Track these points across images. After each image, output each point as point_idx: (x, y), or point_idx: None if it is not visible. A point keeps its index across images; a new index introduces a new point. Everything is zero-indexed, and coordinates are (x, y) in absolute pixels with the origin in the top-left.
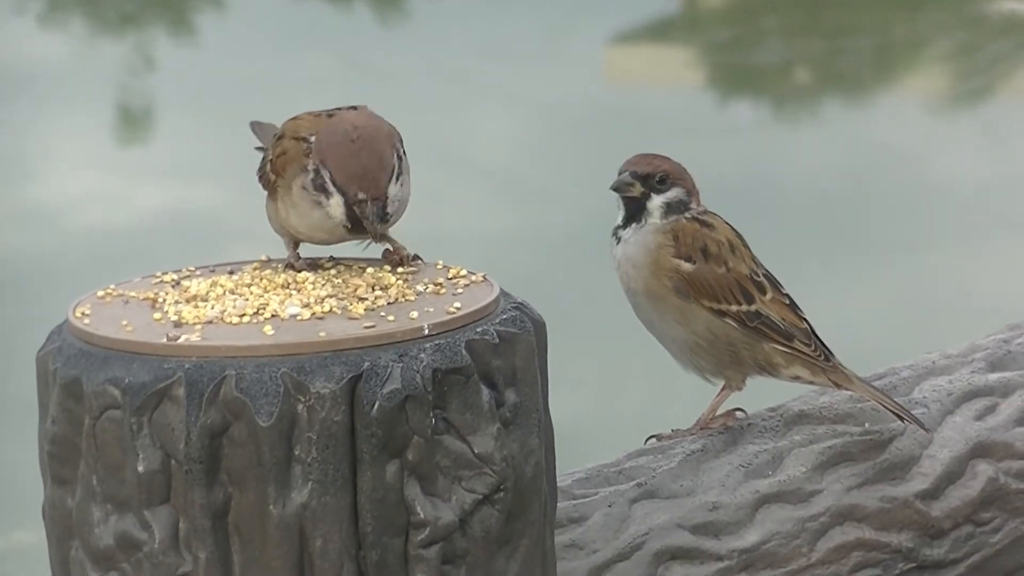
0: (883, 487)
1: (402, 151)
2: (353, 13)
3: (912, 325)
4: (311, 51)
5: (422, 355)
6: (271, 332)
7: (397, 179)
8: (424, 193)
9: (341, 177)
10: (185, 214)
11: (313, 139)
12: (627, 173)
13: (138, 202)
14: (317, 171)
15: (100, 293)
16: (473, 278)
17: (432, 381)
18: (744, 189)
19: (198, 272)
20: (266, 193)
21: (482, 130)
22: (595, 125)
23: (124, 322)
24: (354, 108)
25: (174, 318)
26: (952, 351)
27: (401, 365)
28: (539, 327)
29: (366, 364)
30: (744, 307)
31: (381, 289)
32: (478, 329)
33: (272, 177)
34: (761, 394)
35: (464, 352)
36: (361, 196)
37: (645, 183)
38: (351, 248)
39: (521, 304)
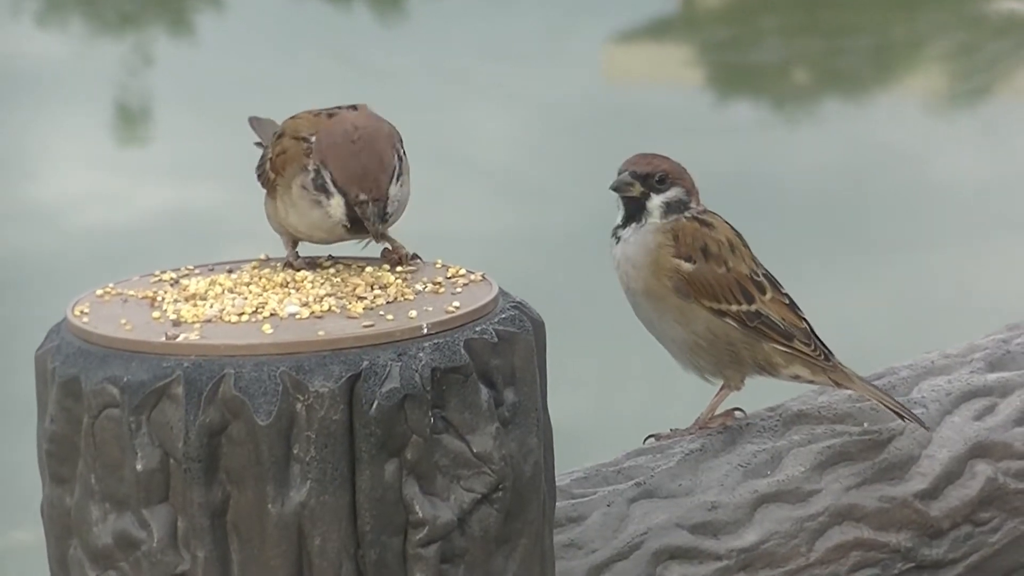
0: (882, 487)
1: (402, 151)
2: (352, 13)
3: (911, 325)
4: (310, 51)
5: (421, 354)
6: (270, 331)
7: (397, 179)
8: (424, 193)
9: (342, 178)
10: (184, 213)
11: (313, 139)
12: (627, 173)
13: (137, 202)
14: (318, 171)
15: (99, 292)
16: (472, 277)
17: (431, 380)
18: (743, 189)
19: (197, 271)
20: (265, 192)
21: (481, 130)
22: (594, 125)
23: (123, 321)
24: (354, 107)
25: (173, 317)
26: (951, 351)
27: (400, 364)
28: (538, 326)
29: (365, 363)
30: (744, 307)
31: (380, 288)
32: (477, 328)
33: (271, 176)
34: (760, 394)
35: (463, 351)
36: (362, 197)
37: (645, 183)
38: (350, 247)
39: (520, 303)
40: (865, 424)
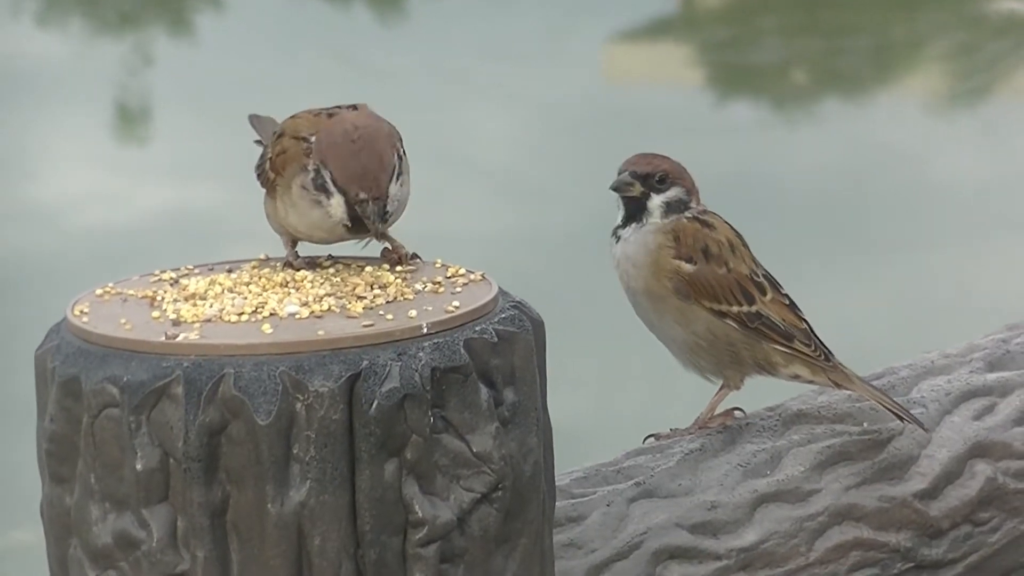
0: (881, 487)
1: (402, 150)
2: (351, 13)
3: (911, 325)
4: (310, 51)
5: (420, 354)
6: (270, 331)
7: (397, 179)
8: (423, 192)
9: (342, 177)
10: (184, 213)
11: (313, 139)
12: (627, 173)
13: (137, 201)
14: (318, 171)
15: (99, 291)
16: (472, 277)
17: (431, 380)
18: (743, 189)
19: (197, 270)
20: (264, 191)
21: (481, 130)
22: (594, 125)
23: (123, 320)
24: (354, 107)
25: (173, 316)
26: (951, 351)
27: (400, 364)
28: (537, 326)
29: (364, 363)
30: (744, 308)
31: (380, 288)
32: (477, 328)
33: (271, 176)
34: (759, 393)
35: (463, 351)
36: (362, 196)
37: (645, 183)
38: (349, 247)
39: (520, 303)
40: (865, 424)
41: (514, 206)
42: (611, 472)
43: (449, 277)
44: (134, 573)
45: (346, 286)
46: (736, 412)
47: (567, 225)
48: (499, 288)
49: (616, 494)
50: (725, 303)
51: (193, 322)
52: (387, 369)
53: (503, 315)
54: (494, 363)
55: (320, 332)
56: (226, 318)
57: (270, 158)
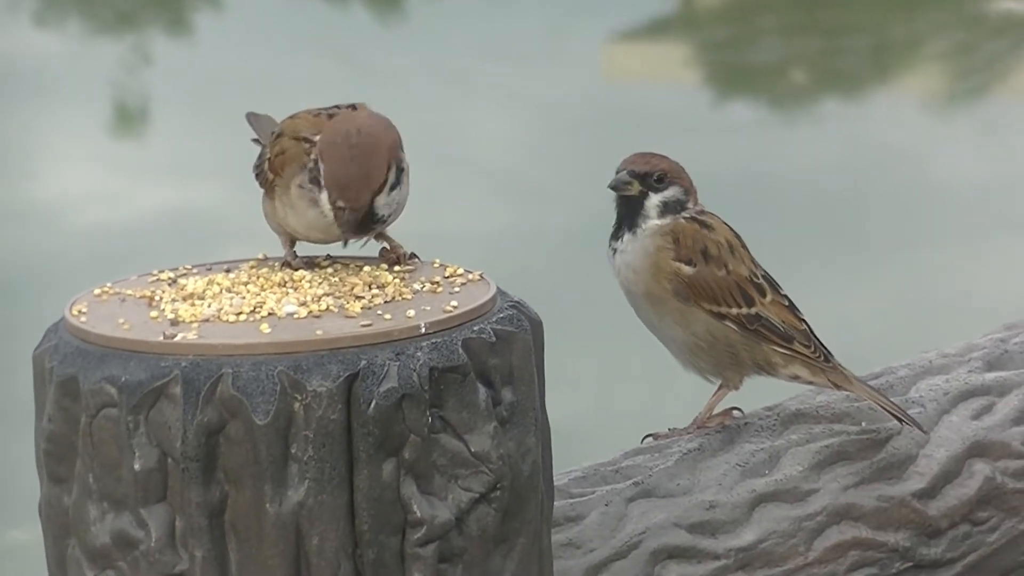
0: (880, 486)
1: (403, 160)
2: (350, 12)
3: (910, 325)
4: (309, 51)
5: (419, 354)
6: (268, 330)
7: (390, 190)
8: (422, 192)
9: (328, 180)
10: (183, 213)
11: (316, 138)
12: (625, 172)
13: (136, 201)
14: (316, 163)
15: (97, 291)
16: (470, 277)
17: (429, 380)
18: (742, 188)
19: (195, 270)
20: (263, 191)
21: (480, 129)
22: (594, 124)
23: (121, 320)
24: (353, 107)
25: (171, 316)
26: (949, 350)
27: (398, 364)
28: (536, 326)
29: (363, 362)
30: (744, 310)
31: (378, 288)
32: (475, 328)
33: (270, 176)
34: (758, 393)
35: (461, 351)
36: (340, 204)
37: (643, 182)
38: (348, 246)
39: (518, 303)
40: (863, 423)
41: (513, 206)
42: (609, 472)
43: (447, 277)
44: (132, 573)
45: (344, 286)
46: (734, 412)
47: (566, 225)
48: (497, 288)
49: (615, 494)
50: (724, 305)
51: (191, 322)
52: (385, 369)
53: (501, 315)
54: (492, 363)
55: (318, 332)
56: (224, 318)
57: (269, 158)
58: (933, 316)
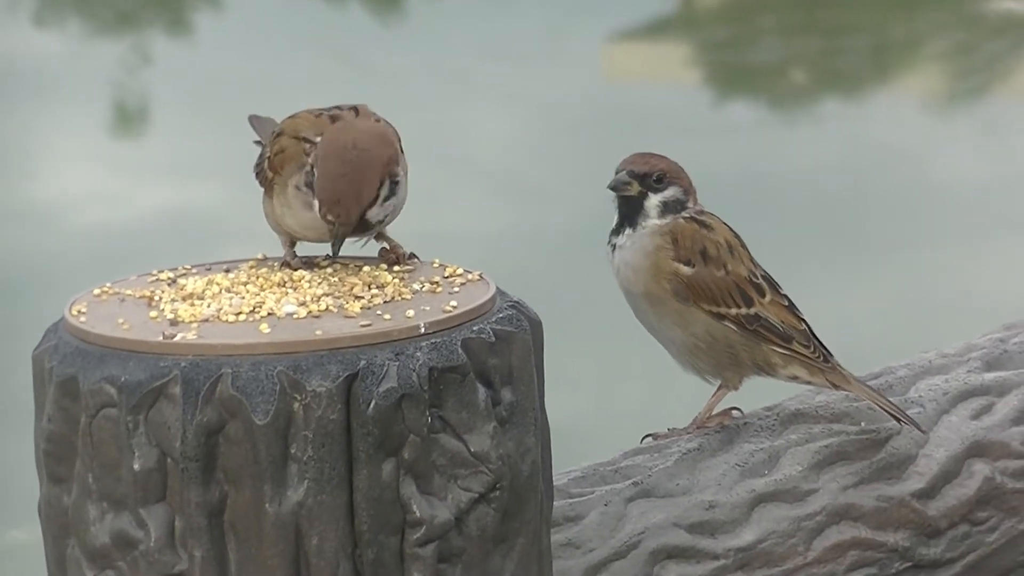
0: (879, 486)
1: (397, 174)
2: (348, 12)
3: (910, 325)
4: (309, 50)
5: (418, 354)
6: (267, 330)
7: (382, 202)
8: (423, 192)
9: (320, 194)
10: (183, 213)
11: (317, 139)
12: (624, 172)
13: (136, 201)
14: (312, 169)
15: (96, 291)
16: (469, 277)
17: (428, 380)
18: (741, 188)
19: (194, 270)
20: (263, 191)
21: (480, 129)
22: (593, 124)
23: (120, 320)
24: (355, 109)
25: (170, 316)
26: (948, 350)
27: (397, 364)
28: (535, 326)
29: (362, 363)
30: (743, 310)
31: (377, 288)
32: (474, 328)
33: (269, 175)
34: (757, 393)
35: (460, 351)
36: (329, 218)
37: (642, 182)
38: (347, 246)
39: (517, 303)
40: (862, 423)
41: (513, 206)
42: (609, 472)
43: (447, 277)
44: (132, 573)
45: (344, 286)
46: (734, 412)
47: (566, 225)
48: (497, 288)
49: (614, 494)
50: (724, 305)
51: (191, 322)
52: (385, 369)
53: (501, 315)
54: (492, 363)
55: (318, 332)
56: (224, 318)
57: (268, 157)
58: (933, 316)
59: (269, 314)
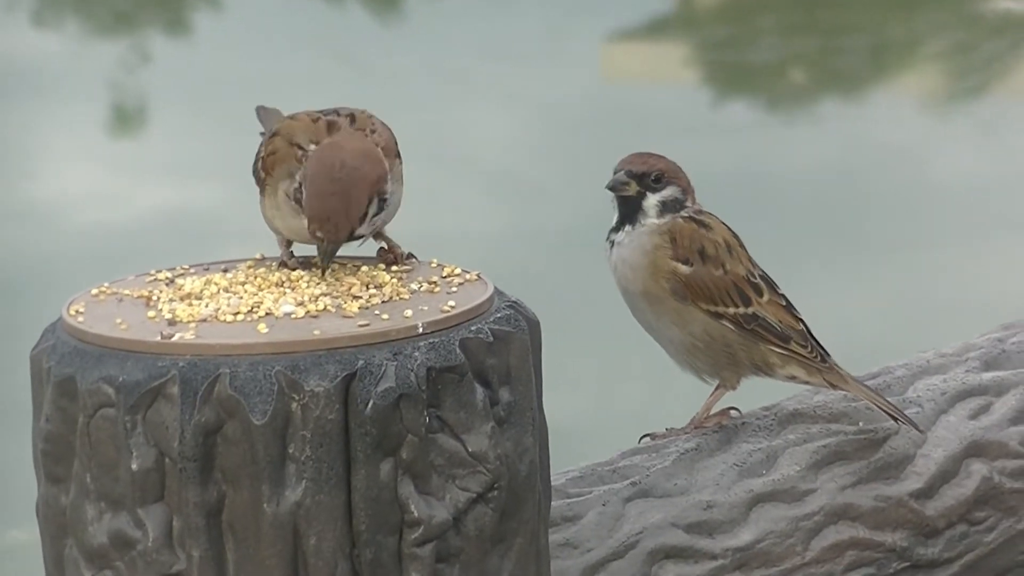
0: (877, 486)
1: (386, 191)
2: (348, 12)
3: (909, 324)
4: (308, 50)
5: (416, 353)
6: (265, 330)
7: (372, 218)
8: (422, 192)
9: (309, 212)
10: (182, 213)
11: (308, 146)
12: (622, 172)
13: (135, 201)
14: (300, 186)
15: (94, 291)
16: (467, 277)
17: (426, 379)
18: (740, 188)
19: (192, 270)
20: (261, 190)
21: (480, 129)
22: (593, 124)
23: (118, 320)
24: (352, 116)
25: (168, 316)
26: (946, 350)
27: (395, 363)
28: (533, 326)
29: (360, 362)
30: (741, 309)
31: (375, 287)
32: (472, 328)
33: (262, 175)
34: (755, 393)
35: (458, 350)
36: (319, 234)
37: (640, 182)
38: (345, 246)
39: (515, 303)
40: (860, 423)
41: (512, 206)
42: (607, 472)
43: (445, 277)
44: (130, 573)
45: (342, 286)
46: (732, 412)
47: (566, 225)
48: (495, 288)
49: (612, 494)
50: (722, 305)
51: (189, 322)
52: (383, 369)
53: (499, 315)
54: (490, 363)
55: (316, 332)
56: (222, 318)
57: (262, 157)
58: (931, 316)
59: (267, 314)
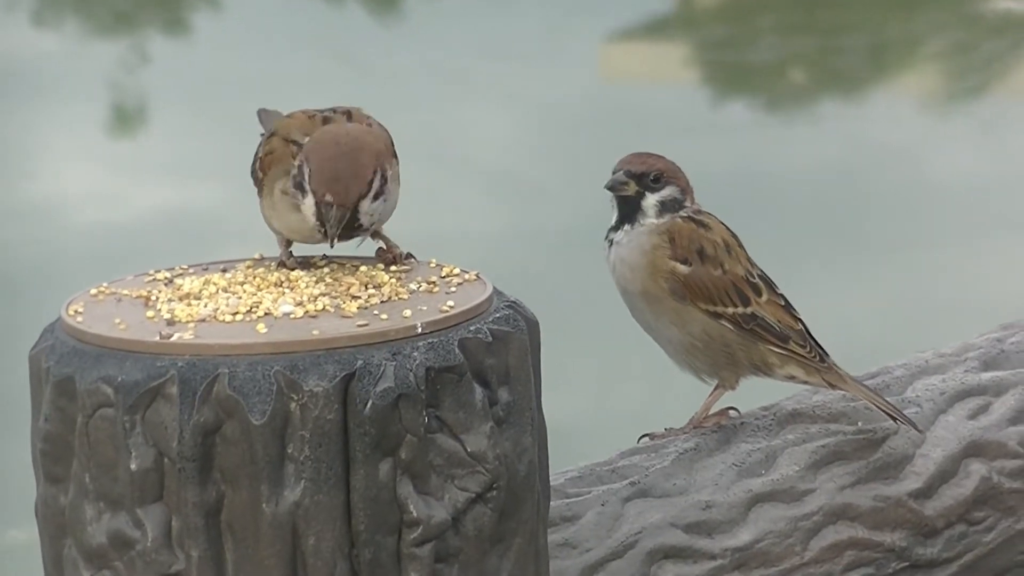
0: (876, 486)
1: (387, 169)
2: (347, 12)
3: (908, 324)
4: (308, 50)
5: (415, 353)
6: (264, 330)
7: (374, 197)
8: (421, 192)
9: (316, 178)
10: (182, 213)
11: (303, 140)
12: (621, 172)
13: (135, 201)
14: (300, 167)
15: (93, 291)
16: (466, 276)
17: (425, 379)
18: (739, 187)
19: (191, 270)
20: (259, 191)
21: (479, 129)
22: (592, 124)
23: (117, 320)
24: (348, 113)
25: (167, 316)
26: (945, 350)
27: (394, 363)
28: (532, 326)
29: (359, 362)
30: (740, 309)
31: (374, 287)
32: (471, 328)
33: (259, 175)
34: (754, 393)
35: (457, 351)
36: (328, 199)
37: (639, 182)
38: (344, 246)
39: (514, 303)
40: (859, 423)
41: (512, 206)
42: (606, 471)
43: (444, 277)
44: (129, 573)
45: (341, 286)
46: (731, 411)
47: (565, 225)
48: (494, 288)
49: (611, 493)
50: (720, 304)
51: (187, 322)
52: (382, 369)
53: (497, 315)
54: (489, 363)
55: (315, 332)
56: (220, 318)
57: (260, 157)
58: (930, 316)
59: (266, 314)
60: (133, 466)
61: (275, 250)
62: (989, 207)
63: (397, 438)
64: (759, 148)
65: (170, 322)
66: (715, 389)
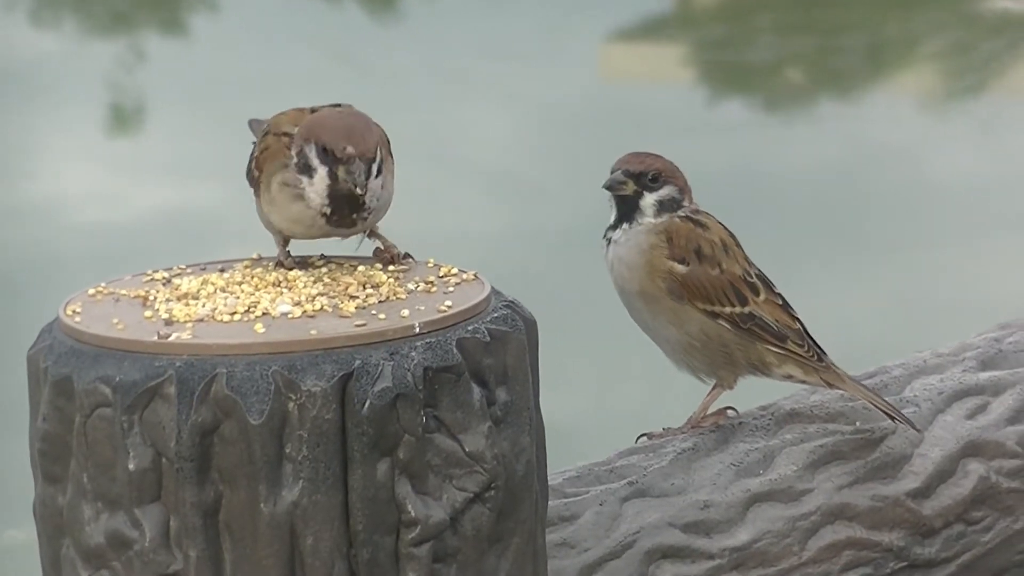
0: (874, 486)
1: (387, 153)
2: (346, 11)
3: (907, 324)
4: (306, 50)
5: (413, 353)
6: (262, 330)
7: (378, 174)
8: (420, 192)
9: (329, 137)
10: (180, 213)
11: (294, 130)
12: (619, 171)
13: (133, 201)
14: (301, 151)
15: (91, 291)
16: (464, 276)
17: (423, 379)
18: (737, 187)
19: (189, 270)
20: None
21: (477, 128)
22: (591, 123)
23: (115, 320)
24: (338, 106)
25: (165, 316)
26: (943, 350)
27: (392, 363)
28: (530, 325)
29: (357, 362)
30: (737, 309)
31: (372, 287)
32: (469, 327)
33: (256, 174)
34: (752, 393)
35: (455, 350)
36: (349, 150)
37: (637, 181)
38: (342, 246)
39: (512, 303)
40: (857, 423)
41: (510, 205)
42: (604, 471)
43: (441, 277)
44: (127, 573)
45: (338, 286)
46: (729, 411)
47: (564, 225)
48: (492, 287)
49: (609, 493)
50: (718, 304)
51: (185, 322)
52: (379, 369)
53: (496, 315)
54: (487, 363)
55: (313, 332)
56: (218, 318)
57: (256, 156)
58: (928, 315)
59: (264, 314)
60: (131, 466)
61: (273, 250)
62: (988, 207)
63: (395, 438)
64: (757, 148)
65: (168, 322)
66: (713, 389)
